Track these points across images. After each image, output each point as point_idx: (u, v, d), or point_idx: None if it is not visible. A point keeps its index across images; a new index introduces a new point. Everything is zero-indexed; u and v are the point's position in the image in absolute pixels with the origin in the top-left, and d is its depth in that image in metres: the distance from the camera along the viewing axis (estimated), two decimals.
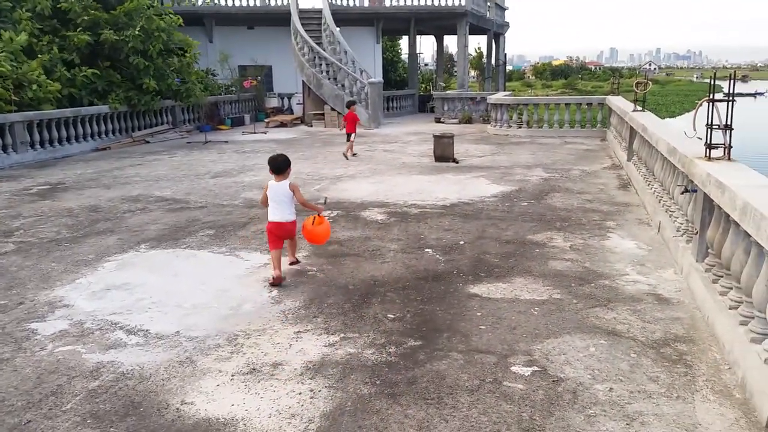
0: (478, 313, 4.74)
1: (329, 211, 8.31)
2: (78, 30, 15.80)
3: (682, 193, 5.69)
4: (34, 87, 13.84)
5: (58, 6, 15.89)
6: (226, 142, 16.92)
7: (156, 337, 4.43)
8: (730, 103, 5.05)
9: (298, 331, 4.46)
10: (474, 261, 6.11)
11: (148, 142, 16.98)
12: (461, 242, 6.80)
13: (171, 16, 18.28)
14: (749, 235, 3.76)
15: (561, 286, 5.33)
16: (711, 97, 5.30)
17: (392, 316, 4.72)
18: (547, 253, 6.32)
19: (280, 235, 5.76)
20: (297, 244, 6.18)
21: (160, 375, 3.86)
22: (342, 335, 4.38)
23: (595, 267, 5.83)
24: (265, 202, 5.86)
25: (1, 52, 13.37)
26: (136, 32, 16.13)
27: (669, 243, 6.30)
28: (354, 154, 13.82)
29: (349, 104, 15.31)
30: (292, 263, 6.03)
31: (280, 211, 5.72)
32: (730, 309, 4.23)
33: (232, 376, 3.83)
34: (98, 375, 3.87)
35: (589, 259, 6.07)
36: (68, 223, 7.98)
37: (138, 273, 5.93)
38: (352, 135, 14.05)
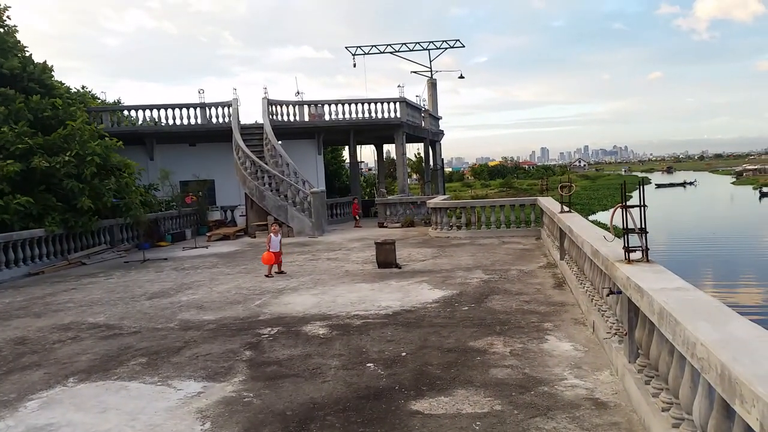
0: None
1: (270, 328, 8.18)
2: (9, 159, 15.62)
3: (608, 295, 5.91)
4: None
5: None
6: (166, 259, 16.62)
7: None
8: (642, 208, 5.41)
9: None
10: (416, 374, 6.05)
11: (84, 263, 16.50)
12: (403, 353, 6.75)
13: (108, 139, 18.43)
14: None
15: (502, 396, 5.31)
16: (624, 203, 5.66)
17: None
18: (487, 361, 6.33)
19: (277, 258, 12.87)
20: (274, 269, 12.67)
21: None
22: None
23: (534, 373, 5.87)
24: (268, 243, 12.85)
25: None
26: (67, 158, 16.09)
27: (603, 343, 6.44)
28: (357, 227, 23.43)
29: (353, 201, 26.28)
30: (276, 273, 12.82)
31: (273, 247, 12.76)
32: (663, 411, 4.29)
33: None
34: None
35: (529, 365, 6.11)
36: None
37: (63, 411, 5.58)
38: (358, 216, 24.88)
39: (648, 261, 5.42)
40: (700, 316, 3.59)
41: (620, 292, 5.62)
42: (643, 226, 5.46)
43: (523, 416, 4.85)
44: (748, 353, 2.90)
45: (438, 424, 4.78)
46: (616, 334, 6.06)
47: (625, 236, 5.55)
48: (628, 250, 5.52)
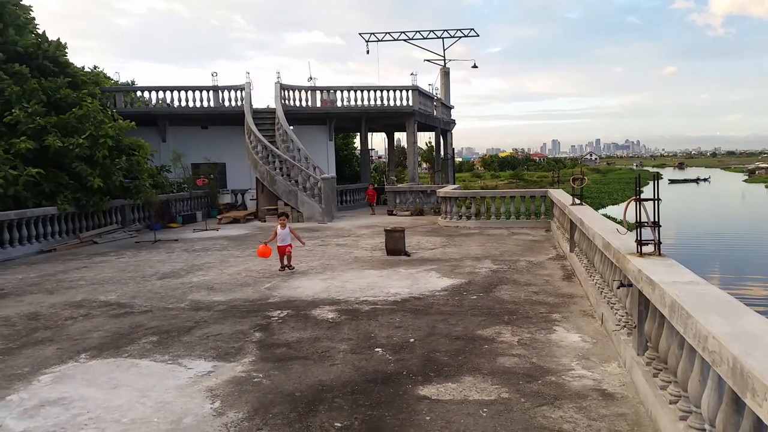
0: (427, 417, 4.68)
1: (279, 311, 8.24)
2: (23, 136, 15.72)
3: (618, 288, 5.91)
4: None
5: (4, 116, 15.94)
6: (176, 240, 16.74)
7: None
8: (656, 202, 5.39)
9: None
10: (424, 360, 6.09)
11: (96, 242, 16.65)
12: (411, 340, 6.79)
13: (121, 121, 18.48)
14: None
15: (509, 384, 5.34)
16: (638, 196, 5.64)
17: (339, 424, 4.61)
18: (495, 349, 6.36)
19: (284, 252, 11.56)
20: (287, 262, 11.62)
21: None
22: None
23: (541, 362, 5.89)
24: (274, 236, 11.65)
25: None
26: (81, 140, 16.16)
27: (612, 335, 6.45)
28: (373, 213, 23.50)
29: (370, 186, 26.78)
30: (286, 266, 11.56)
31: (282, 240, 11.58)
32: (670, 404, 4.31)
33: None
34: None
35: (536, 354, 6.14)
36: (3, 333, 7.63)
37: (76, 386, 5.67)
38: (374, 204, 24.95)
39: (660, 255, 5.41)
40: (712, 309, 3.59)
41: (631, 285, 5.62)
42: (656, 220, 5.44)
43: (530, 404, 4.88)
44: (761, 347, 2.91)
45: (445, 410, 4.82)
46: (625, 326, 6.07)
47: (638, 229, 5.53)
48: (640, 243, 5.50)
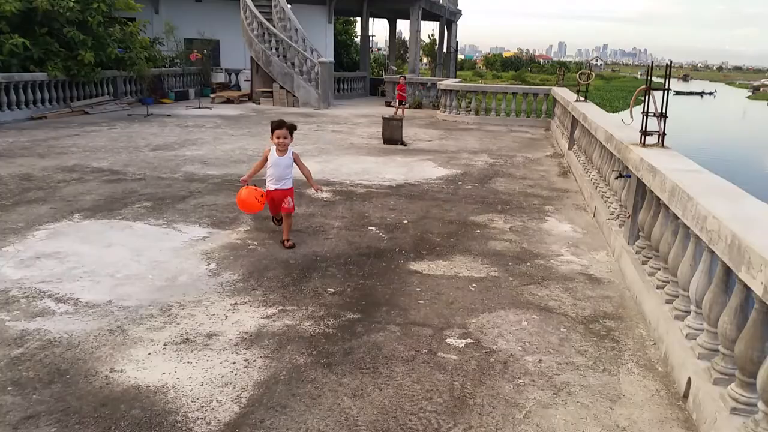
0: (418, 289, 4.79)
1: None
2: None
3: (617, 178, 5.89)
4: None
5: None
6: (169, 115, 16.44)
7: (86, 305, 4.29)
8: (665, 92, 5.24)
9: (235, 303, 4.40)
10: (416, 239, 6.16)
11: (87, 113, 16.31)
12: (405, 221, 6.84)
13: None
14: (677, 217, 3.92)
15: (498, 264, 5.44)
16: (648, 86, 5.49)
17: (332, 290, 4.71)
18: (487, 234, 6.43)
19: (280, 201, 5.87)
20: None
21: (90, 343, 3.75)
22: (280, 307, 4.35)
23: (532, 248, 5.98)
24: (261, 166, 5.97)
25: None
26: (72, 3, 15.33)
27: (603, 227, 6.52)
28: (399, 113, 17.20)
29: (401, 79, 20.00)
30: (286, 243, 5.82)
31: (278, 179, 5.84)
32: (657, 288, 4.41)
33: (165, 345, 3.75)
34: (22, 343, 3.72)
35: (527, 240, 6.22)
36: None
37: (70, 242, 5.72)
38: (404, 102, 18.88)
39: (663, 146, 5.35)
40: (713, 193, 3.59)
41: (629, 176, 5.61)
42: (662, 111, 5.32)
43: (517, 283, 4.99)
44: (760, 226, 2.92)
45: (435, 283, 4.92)
46: (618, 218, 6.12)
47: (644, 119, 5.42)
48: (644, 133, 5.42)
